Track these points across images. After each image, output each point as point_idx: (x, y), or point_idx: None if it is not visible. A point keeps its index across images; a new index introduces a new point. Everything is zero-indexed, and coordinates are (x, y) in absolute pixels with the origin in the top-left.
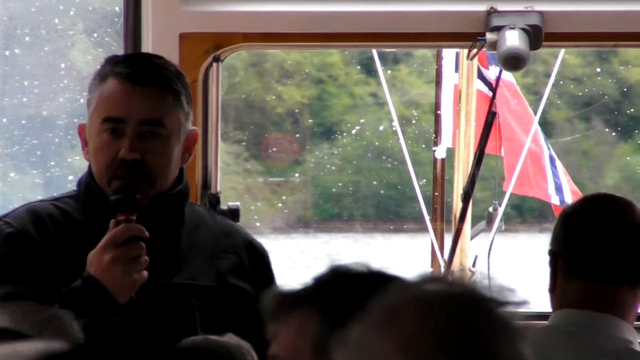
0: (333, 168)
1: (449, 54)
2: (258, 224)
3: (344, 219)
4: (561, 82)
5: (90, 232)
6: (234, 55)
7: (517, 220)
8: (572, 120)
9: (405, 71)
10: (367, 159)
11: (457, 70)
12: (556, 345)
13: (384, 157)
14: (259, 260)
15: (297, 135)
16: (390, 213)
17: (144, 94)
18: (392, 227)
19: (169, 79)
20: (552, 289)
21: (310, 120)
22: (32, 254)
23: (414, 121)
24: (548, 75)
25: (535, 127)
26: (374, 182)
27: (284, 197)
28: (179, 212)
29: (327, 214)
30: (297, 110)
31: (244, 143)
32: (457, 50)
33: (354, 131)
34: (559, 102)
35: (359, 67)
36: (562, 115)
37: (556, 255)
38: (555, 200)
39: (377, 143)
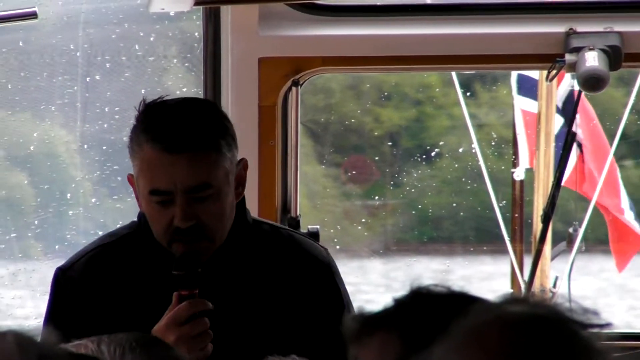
0: (432, 190)
1: (513, 77)
2: (356, 247)
3: (443, 242)
4: None
5: (149, 276)
6: (329, 77)
7: None
8: None
9: (503, 91)
10: (466, 181)
11: (519, 92)
12: None
13: (483, 179)
14: (323, 275)
15: (396, 157)
16: (490, 235)
17: (185, 162)
18: (491, 249)
19: (207, 138)
20: None
21: (409, 142)
22: (92, 306)
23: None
24: None
25: (613, 149)
26: (474, 204)
27: (382, 220)
28: (240, 253)
29: (426, 237)
30: (395, 132)
31: (342, 166)
32: (520, 72)
33: (452, 153)
34: None
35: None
36: None
37: None
38: (629, 215)
39: (476, 164)
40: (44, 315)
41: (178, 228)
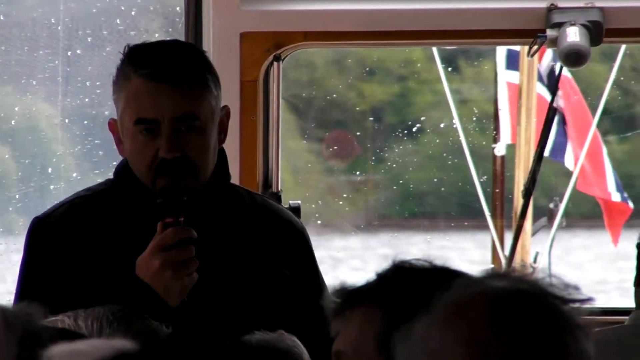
0: (415, 165)
1: (500, 51)
2: (339, 222)
3: (427, 217)
4: None
5: (129, 226)
6: (313, 52)
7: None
8: None
9: (487, 66)
10: (450, 156)
11: (508, 67)
12: (631, 346)
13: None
14: (299, 240)
15: (380, 133)
16: (472, 211)
17: (172, 90)
18: (473, 225)
19: (194, 70)
20: (638, 283)
21: (393, 117)
22: (71, 254)
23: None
24: (635, 69)
25: (594, 124)
26: (456, 180)
27: (366, 196)
28: (221, 204)
29: (409, 212)
30: (379, 107)
31: (324, 141)
32: (509, 47)
33: (436, 128)
34: None
35: (442, 63)
36: None
37: None
38: (616, 197)
39: (458, 140)
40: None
41: (163, 160)
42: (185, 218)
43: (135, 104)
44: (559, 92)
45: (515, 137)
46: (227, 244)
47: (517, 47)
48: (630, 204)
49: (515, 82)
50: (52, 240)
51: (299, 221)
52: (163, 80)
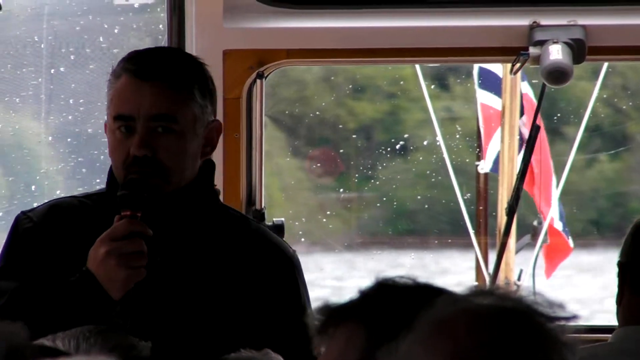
0: (405, 183)
1: (474, 71)
2: (330, 240)
3: (418, 235)
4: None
5: (103, 227)
6: (304, 69)
7: (595, 235)
8: None
9: (473, 84)
10: (434, 174)
11: (480, 86)
12: None
13: (457, 172)
14: (285, 268)
15: (369, 151)
16: (458, 228)
17: (152, 89)
18: (460, 242)
19: (179, 72)
20: (619, 302)
21: (383, 135)
22: (46, 251)
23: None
24: (625, 88)
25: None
26: (447, 198)
27: (357, 213)
28: (195, 209)
29: (401, 230)
30: (369, 125)
31: (308, 158)
32: (480, 65)
33: (422, 146)
34: (637, 115)
35: (431, 80)
36: None
37: (625, 268)
38: (558, 225)
39: (448, 157)
40: None
41: (134, 157)
42: (147, 216)
43: (117, 101)
44: (524, 117)
45: (485, 155)
46: (188, 251)
47: (488, 66)
48: (571, 243)
49: (486, 103)
50: (30, 234)
51: (291, 251)
52: (146, 78)
